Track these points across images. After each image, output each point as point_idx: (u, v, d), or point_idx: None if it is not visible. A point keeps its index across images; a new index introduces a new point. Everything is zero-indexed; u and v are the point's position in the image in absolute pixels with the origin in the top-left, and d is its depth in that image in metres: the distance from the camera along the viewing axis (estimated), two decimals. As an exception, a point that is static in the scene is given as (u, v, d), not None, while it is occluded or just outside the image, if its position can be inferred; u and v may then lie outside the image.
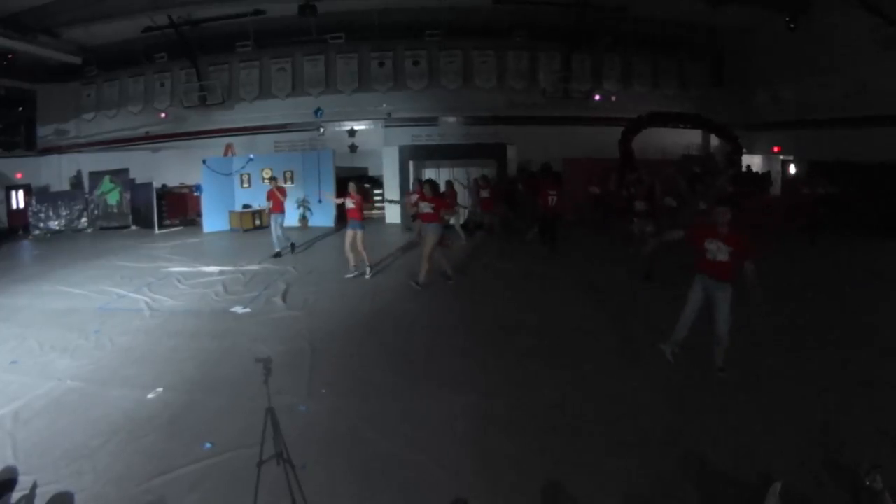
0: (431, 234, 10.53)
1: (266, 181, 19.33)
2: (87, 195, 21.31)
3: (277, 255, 13.86)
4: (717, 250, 6.36)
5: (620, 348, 7.55)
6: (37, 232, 20.07)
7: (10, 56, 19.62)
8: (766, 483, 4.11)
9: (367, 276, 11.64)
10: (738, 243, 6.29)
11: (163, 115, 23.28)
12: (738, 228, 6.38)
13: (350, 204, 11.61)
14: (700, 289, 6.60)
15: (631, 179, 13.11)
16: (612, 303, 9.61)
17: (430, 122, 22.72)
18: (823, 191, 14.38)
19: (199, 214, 19.63)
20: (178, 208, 20.97)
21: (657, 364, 6.87)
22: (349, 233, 11.62)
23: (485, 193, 15.39)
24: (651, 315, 8.74)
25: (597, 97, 22.89)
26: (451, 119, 22.82)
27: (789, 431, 5.26)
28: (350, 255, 11.75)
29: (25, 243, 18.81)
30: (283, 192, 14.20)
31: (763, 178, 21.06)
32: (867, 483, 3.95)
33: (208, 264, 13.25)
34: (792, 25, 18.64)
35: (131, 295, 10.82)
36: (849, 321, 8.46)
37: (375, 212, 20.89)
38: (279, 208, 13.94)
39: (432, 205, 10.52)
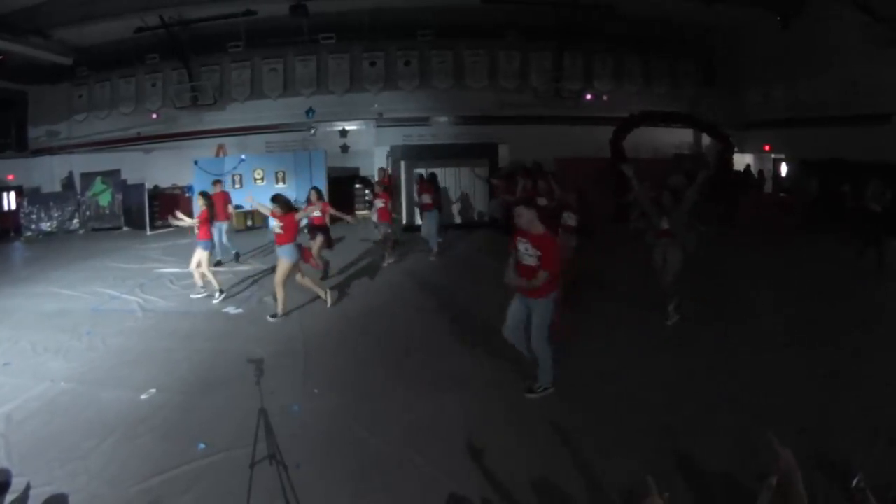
0: (285, 259, 9.10)
1: (259, 181, 19.36)
2: (78, 196, 21.22)
3: (219, 263, 13.14)
4: (525, 252, 5.94)
5: (615, 349, 7.61)
6: (28, 233, 19.98)
7: (0, 57, 19.54)
8: (760, 479, 4.15)
9: (216, 301, 10.26)
10: (543, 248, 5.84)
11: (154, 115, 23.12)
12: (549, 234, 6.02)
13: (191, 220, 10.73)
14: (518, 300, 6.21)
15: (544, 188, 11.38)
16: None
17: (422, 122, 22.67)
18: (879, 207, 11.49)
19: (191, 215, 19.55)
20: (170, 209, 20.91)
21: (651, 363, 6.93)
22: (197, 252, 10.51)
23: (379, 203, 13.19)
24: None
25: (588, 97, 22.91)
26: (443, 119, 22.80)
27: (784, 429, 5.29)
28: (196, 274, 10.64)
29: (17, 245, 18.74)
30: (226, 197, 13.79)
31: (757, 178, 21.16)
32: (853, 484, 3.99)
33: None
34: (783, 24, 18.74)
35: (124, 296, 10.82)
36: (846, 320, 8.50)
37: (366, 211, 20.86)
38: (224, 215, 13.42)
39: (282, 224, 9.05)
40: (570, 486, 4.58)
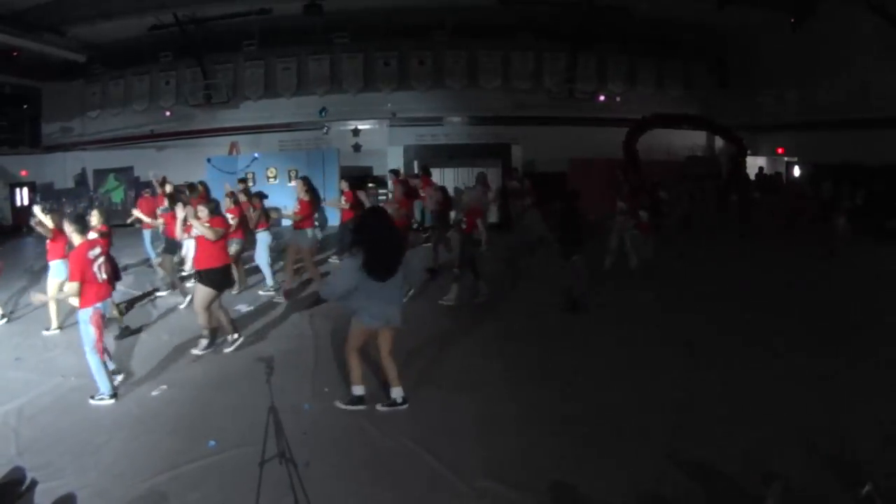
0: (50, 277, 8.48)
1: (271, 180, 19.33)
2: (91, 193, 21.34)
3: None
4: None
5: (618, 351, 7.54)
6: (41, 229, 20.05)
7: (15, 53, 19.68)
8: (767, 482, 4.11)
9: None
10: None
11: (168, 113, 23.26)
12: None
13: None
14: None
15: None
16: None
17: (436, 122, 22.69)
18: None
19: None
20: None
21: (656, 365, 6.87)
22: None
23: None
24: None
25: (601, 98, 22.84)
26: (456, 119, 22.80)
27: (792, 431, 5.23)
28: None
29: (30, 240, 18.82)
30: (150, 204, 11.93)
31: (775, 181, 20.78)
32: (863, 492, 3.93)
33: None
34: (797, 27, 18.60)
35: (135, 292, 10.83)
36: (852, 325, 8.34)
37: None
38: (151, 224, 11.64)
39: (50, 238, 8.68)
40: (582, 486, 4.54)
